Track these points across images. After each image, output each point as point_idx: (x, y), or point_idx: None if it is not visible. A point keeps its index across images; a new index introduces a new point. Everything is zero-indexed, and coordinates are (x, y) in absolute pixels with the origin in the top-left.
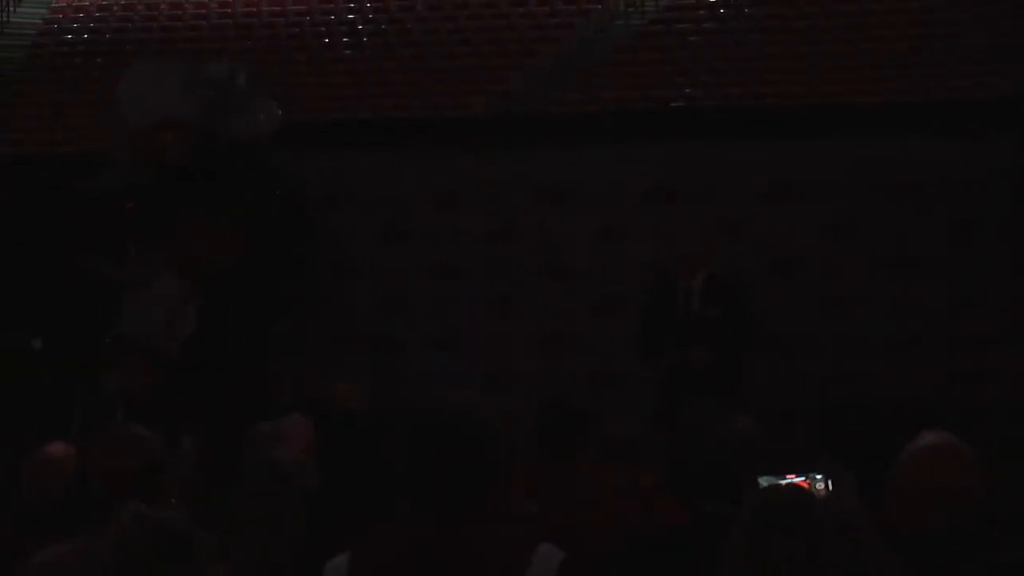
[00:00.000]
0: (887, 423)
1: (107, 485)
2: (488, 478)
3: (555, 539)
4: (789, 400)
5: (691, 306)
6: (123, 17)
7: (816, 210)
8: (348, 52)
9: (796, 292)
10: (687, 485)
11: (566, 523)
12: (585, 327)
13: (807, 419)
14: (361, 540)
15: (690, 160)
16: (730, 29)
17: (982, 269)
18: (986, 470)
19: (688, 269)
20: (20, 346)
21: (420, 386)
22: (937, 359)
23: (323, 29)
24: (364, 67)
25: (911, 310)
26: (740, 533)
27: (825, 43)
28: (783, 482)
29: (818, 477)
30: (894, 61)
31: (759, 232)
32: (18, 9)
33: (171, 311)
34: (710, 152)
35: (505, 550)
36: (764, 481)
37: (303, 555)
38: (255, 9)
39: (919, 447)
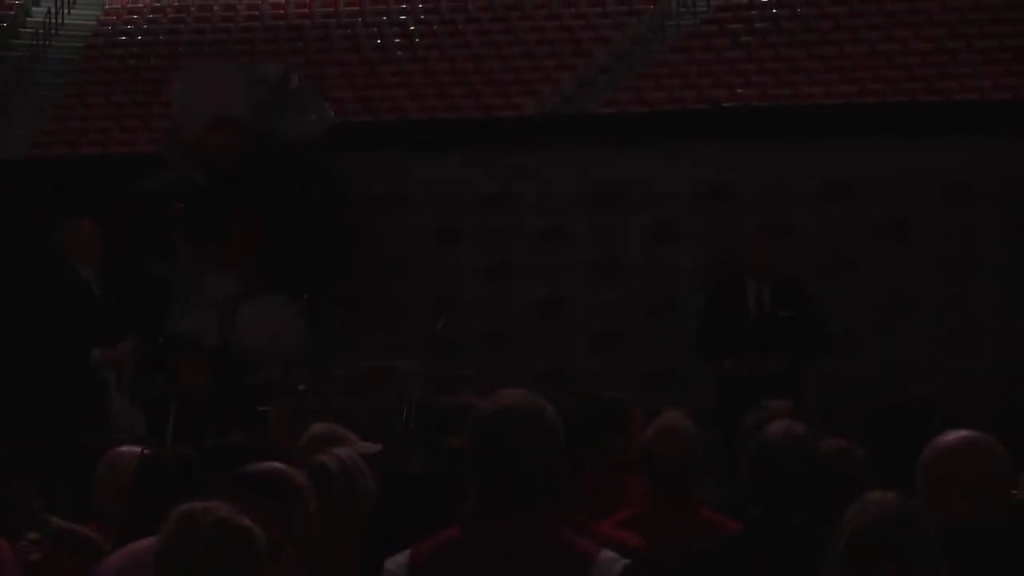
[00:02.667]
0: (931, 423)
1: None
2: (553, 478)
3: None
4: (840, 401)
5: (763, 307)
6: (176, 19)
7: (869, 209)
8: (399, 53)
9: (848, 292)
10: (747, 487)
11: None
12: (637, 326)
13: (857, 420)
14: (422, 538)
15: (742, 160)
16: (782, 29)
17: None
18: None
19: (753, 269)
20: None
21: (473, 386)
22: (991, 358)
23: (375, 30)
24: (415, 68)
25: (964, 309)
26: (843, 545)
27: (876, 42)
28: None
29: None
30: (947, 59)
31: (811, 231)
32: (72, 11)
33: (222, 311)
34: (762, 151)
35: (567, 553)
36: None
37: (367, 553)
38: (307, 10)
39: (940, 443)
